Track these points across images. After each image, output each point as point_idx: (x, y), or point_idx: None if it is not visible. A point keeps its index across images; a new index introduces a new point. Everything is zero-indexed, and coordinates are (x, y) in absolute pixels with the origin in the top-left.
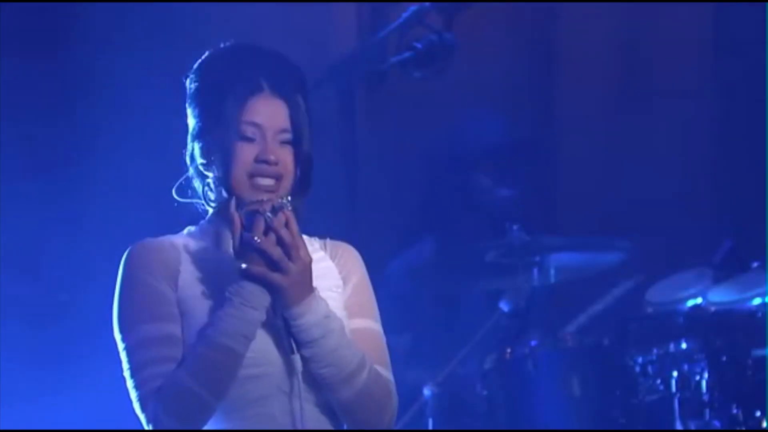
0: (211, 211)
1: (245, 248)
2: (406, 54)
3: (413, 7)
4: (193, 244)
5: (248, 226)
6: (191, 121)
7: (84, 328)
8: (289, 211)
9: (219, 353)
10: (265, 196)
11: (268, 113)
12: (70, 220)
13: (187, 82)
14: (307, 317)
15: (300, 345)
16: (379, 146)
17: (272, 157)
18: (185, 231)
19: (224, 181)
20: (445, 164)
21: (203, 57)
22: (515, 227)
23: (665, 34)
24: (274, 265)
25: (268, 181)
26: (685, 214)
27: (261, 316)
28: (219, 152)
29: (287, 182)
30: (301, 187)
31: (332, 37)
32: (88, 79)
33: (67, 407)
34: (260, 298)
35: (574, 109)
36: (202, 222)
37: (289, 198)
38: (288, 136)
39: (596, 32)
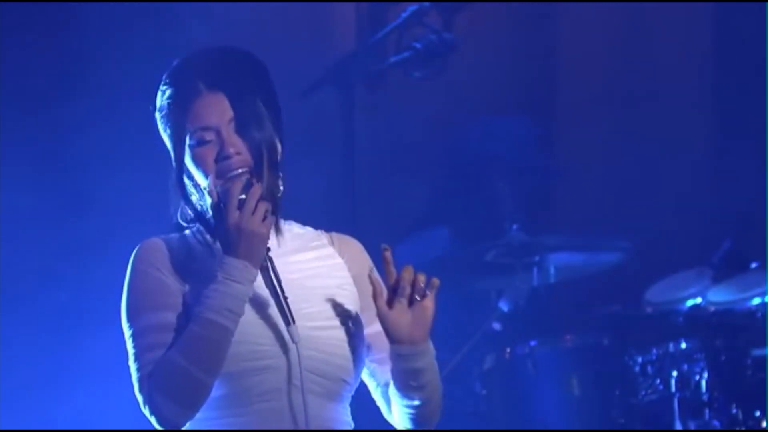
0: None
1: (219, 215)
2: (406, 54)
3: (413, 7)
4: (197, 239)
5: (224, 200)
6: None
7: (84, 327)
8: (257, 185)
9: (205, 329)
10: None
11: (212, 111)
12: (72, 222)
13: (154, 111)
14: (244, 275)
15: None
16: (378, 146)
17: (231, 150)
18: (194, 227)
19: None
20: (445, 164)
21: (160, 83)
22: (515, 227)
23: (665, 33)
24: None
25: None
26: (685, 214)
27: (247, 290)
28: (188, 164)
29: (259, 167)
30: (260, 173)
31: (332, 37)
32: (91, 76)
33: (67, 407)
34: (244, 272)
35: (573, 109)
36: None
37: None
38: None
39: (596, 32)
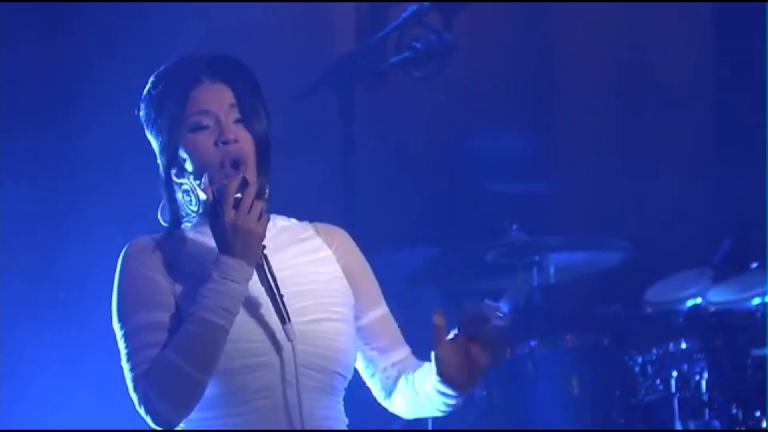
0: (193, 215)
1: (215, 213)
2: (406, 54)
3: (413, 6)
4: (187, 238)
5: (219, 198)
6: (153, 144)
7: (81, 325)
8: (252, 184)
9: (201, 327)
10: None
11: (212, 97)
12: (69, 219)
13: (139, 113)
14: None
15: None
16: (378, 146)
17: (231, 136)
18: (181, 226)
19: (197, 178)
20: (445, 164)
21: (147, 84)
22: (515, 227)
23: (665, 33)
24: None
25: (234, 162)
26: (685, 214)
27: (243, 289)
28: (183, 152)
29: (252, 160)
30: (259, 165)
31: (332, 37)
32: (86, 78)
33: (67, 406)
34: (240, 271)
35: (573, 109)
36: (195, 218)
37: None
38: (239, 112)
39: (595, 32)
